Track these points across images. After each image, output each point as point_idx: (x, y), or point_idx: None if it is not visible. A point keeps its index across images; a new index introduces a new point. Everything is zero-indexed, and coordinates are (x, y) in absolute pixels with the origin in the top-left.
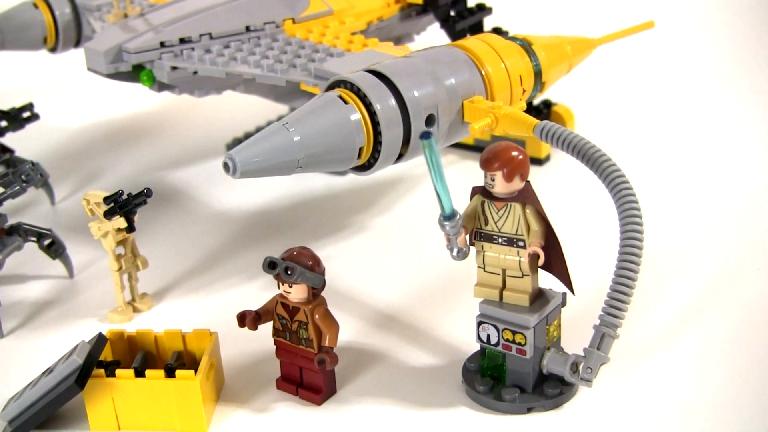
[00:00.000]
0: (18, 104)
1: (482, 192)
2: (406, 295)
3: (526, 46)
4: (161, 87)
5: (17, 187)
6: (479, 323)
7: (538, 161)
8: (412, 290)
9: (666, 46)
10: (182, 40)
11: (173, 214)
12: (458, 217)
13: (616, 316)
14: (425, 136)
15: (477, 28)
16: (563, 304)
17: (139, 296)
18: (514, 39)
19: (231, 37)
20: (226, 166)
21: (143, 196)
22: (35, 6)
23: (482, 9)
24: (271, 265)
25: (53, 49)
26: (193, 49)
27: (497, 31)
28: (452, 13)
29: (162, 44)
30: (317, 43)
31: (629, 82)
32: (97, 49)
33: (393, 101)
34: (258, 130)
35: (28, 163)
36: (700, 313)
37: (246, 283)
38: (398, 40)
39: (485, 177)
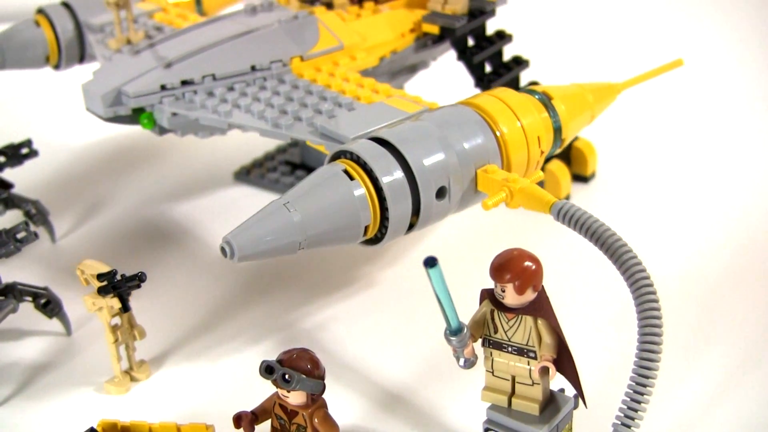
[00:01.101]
0: (15, 125)
1: (491, 299)
2: (413, 369)
3: (545, 100)
4: (162, 130)
5: (11, 247)
6: (486, 429)
7: (583, 178)
8: (420, 362)
9: (691, 78)
10: (184, 82)
11: (174, 257)
12: (465, 331)
13: (633, 418)
14: (430, 263)
15: (514, 84)
16: (575, 406)
17: (137, 365)
18: (532, 92)
19: (235, 77)
20: (223, 250)
21: (137, 280)
22: (36, 24)
23: (519, 63)
24: (268, 370)
25: (57, 67)
26: (195, 92)
27: (517, 61)
28: (470, 43)
29: (163, 87)
30: (325, 87)
31: (653, 116)
32: (95, 92)
33: (400, 173)
34: (267, 156)
35: (29, 203)
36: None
37: (247, 348)
38: (413, 68)
39: (495, 286)
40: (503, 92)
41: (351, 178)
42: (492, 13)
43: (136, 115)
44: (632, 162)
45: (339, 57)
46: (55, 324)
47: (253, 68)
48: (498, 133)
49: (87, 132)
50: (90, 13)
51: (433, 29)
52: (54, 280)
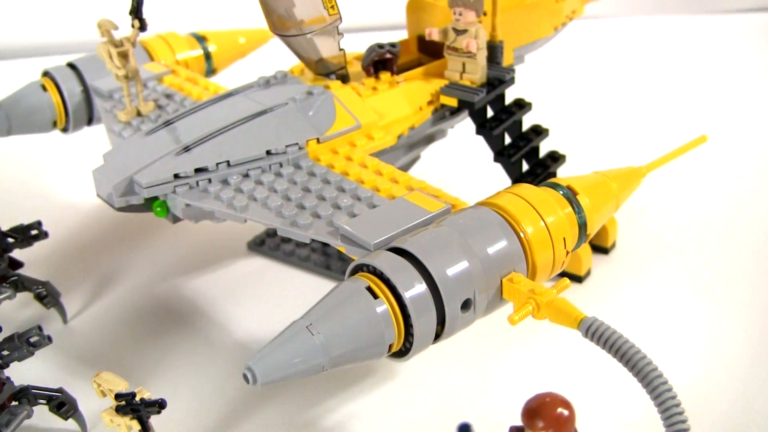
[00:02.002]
0: (23, 188)
1: None
2: None
3: (569, 195)
4: (176, 219)
5: (24, 351)
6: None
7: (603, 250)
8: None
9: (714, 151)
10: (198, 170)
11: (187, 344)
12: None
13: None
14: (464, 429)
15: (534, 154)
16: None
17: None
18: (555, 186)
19: (250, 163)
20: (245, 377)
21: (157, 406)
22: (43, 88)
23: (538, 132)
24: None
25: (65, 130)
26: (209, 180)
27: (536, 131)
28: (490, 113)
29: (176, 176)
30: (344, 176)
31: (674, 186)
32: (107, 181)
33: (423, 285)
34: None
35: (40, 285)
36: None
37: None
38: (430, 138)
39: (526, 429)
40: (525, 190)
41: (374, 295)
42: (511, 81)
43: (148, 203)
44: (653, 232)
45: (356, 137)
46: (70, 423)
47: (268, 152)
48: (522, 235)
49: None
50: (96, 74)
51: (452, 102)
52: (66, 366)
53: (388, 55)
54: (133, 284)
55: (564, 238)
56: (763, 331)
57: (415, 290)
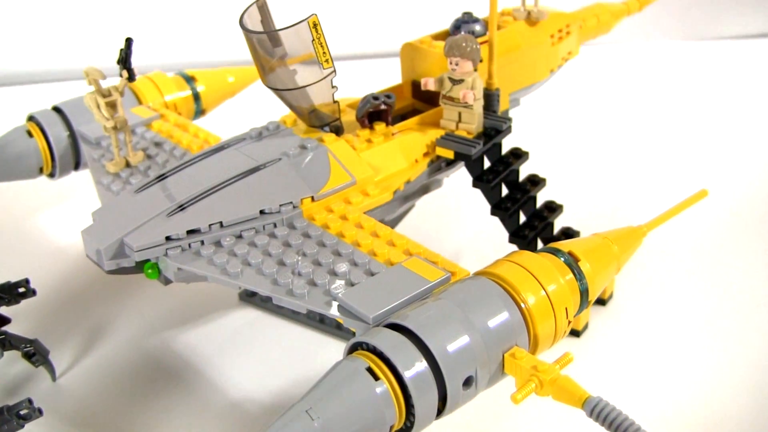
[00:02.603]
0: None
1: None
2: None
3: (569, 261)
4: (168, 281)
5: (14, 424)
6: None
7: (601, 301)
8: None
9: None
10: (190, 231)
11: (178, 404)
12: None
13: None
14: None
15: (532, 203)
16: None
17: None
18: (556, 251)
19: (244, 223)
20: None
21: None
22: (29, 134)
23: (535, 183)
24: None
25: (51, 176)
26: (202, 242)
27: (533, 181)
28: (486, 163)
29: (167, 238)
30: (340, 238)
31: (672, 238)
32: (97, 244)
33: (423, 363)
34: None
35: (28, 344)
36: None
37: None
38: (426, 189)
39: None
40: (525, 258)
41: (374, 375)
42: (508, 130)
43: (139, 265)
44: (650, 284)
45: (351, 194)
46: None
47: (262, 212)
48: (523, 305)
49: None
50: (82, 118)
51: (448, 154)
52: (55, 428)
53: (383, 107)
54: (123, 338)
55: (566, 308)
56: (762, 383)
57: (415, 369)
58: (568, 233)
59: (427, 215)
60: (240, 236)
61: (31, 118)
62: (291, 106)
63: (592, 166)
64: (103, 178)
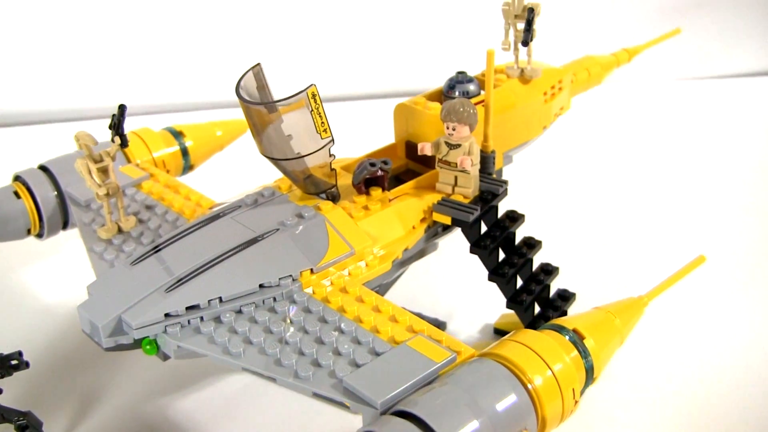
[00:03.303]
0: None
1: None
2: None
3: (575, 339)
4: (166, 356)
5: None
6: None
7: None
8: None
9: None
10: (189, 307)
11: None
12: None
13: None
14: None
15: (528, 267)
16: None
17: None
18: (560, 329)
19: (244, 298)
20: None
21: None
22: (16, 195)
23: (531, 246)
24: None
25: (39, 236)
26: (201, 318)
27: (529, 244)
28: (484, 228)
29: (167, 315)
30: (341, 314)
31: (669, 311)
32: (94, 321)
33: None
34: None
35: (20, 416)
36: None
37: None
38: (422, 253)
39: None
40: (529, 337)
41: None
42: (504, 193)
43: (137, 342)
44: (645, 358)
45: (350, 265)
46: None
47: (261, 286)
48: (530, 386)
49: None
50: (70, 177)
51: (445, 220)
52: None
53: (380, 173)
54: (117, 405)
55: (573, 389)
56: None
57: None
58: (564, 296)
59: (417, 274)
60: (240, 311)
61: (17, 178)
62: (286, 173)
63: (585, 223)
64: (95, 246)
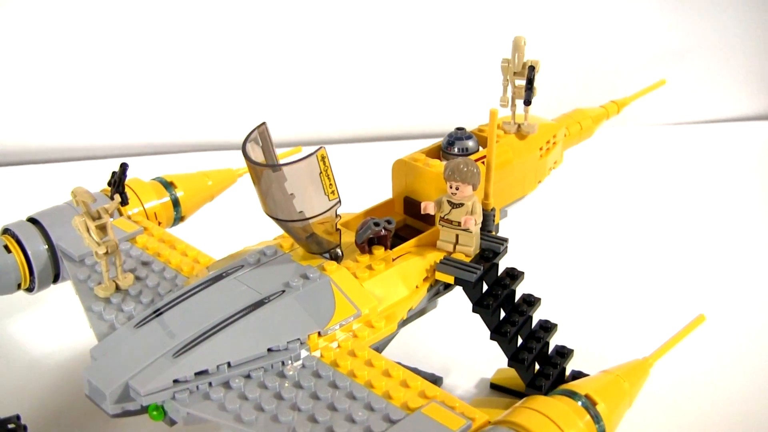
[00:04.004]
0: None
1: None
2: None
3: (587, 404)
4: (173, 422)
5: None
6: None
7: None
8: None
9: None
10: (197, 373)
11: None
12: None
13: None
14: None
15: (528, 323)
16: None
17: None
18: (572, 395)
19: (252, 363)
20: None
21: None
22: (6, 249)
23: (531, 303)
24: None
25: (29, 290)
26: (210, 383)
27: (529, 302)
28: (485, 287)
29: (175, 381)
30: (350, 377)
31: (673, 369)
32: (100, 387)
33: None
34: None
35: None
36: None
37: None
38: (422, 312)
39: None
40: (542, 404)
41: None
42: (505, 251)
43: (144, 407)
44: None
45: (357, 327)
46: None
47: (269, 350)
48: None
49: (62, 356)
50: (61, 230)
51: (448, 279)
52: None
53: (384, 232)
54: None
55: None
56: None
57: None
58: (562, 352)
59: (411, 328)
60: (249, 376)
61: (5, 231)
62: (290, 232)
63: (580, 277)
64: (93, 305)
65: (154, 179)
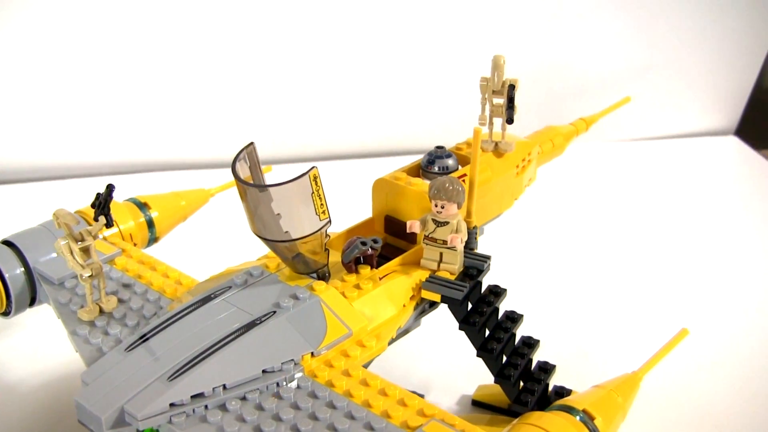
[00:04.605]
0: None
1: None
2: None
3: (585, 420)
4: None
5: None
6: None
7: None
8: None
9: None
10: (193, 396)
11: None
12: None
13: None
14: None
15: (512, 341)
16: None
17: None
18: (570, 410)
19: (247, 384)
20: None
21: None
22: None
23: (513, 320)
24: None
25: (5, 314)
26: (206, 406)
27: (511, 318)
28: (470, 306)
29: (171, 405)
30: (347, 398)
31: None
32: (95, 412)
33: None
34: None
35: None
36: None
37: None
38: (407, 330)
39: None
40: (542, 420)
41: None
42: (488, 268)
43: None
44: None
45: (349, 347)
46: None
47: (264, 372)
48: None
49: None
50: (37, 252)
51: (435, 297)
52: None
53: (370, 251)
54: None
55: None
56: None
57: None
58: (545, 368)
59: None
60: (244, 398)
61: None
62: (277, 251)
63: (557, 291)
64: (78, 329)
65: (127, 200)
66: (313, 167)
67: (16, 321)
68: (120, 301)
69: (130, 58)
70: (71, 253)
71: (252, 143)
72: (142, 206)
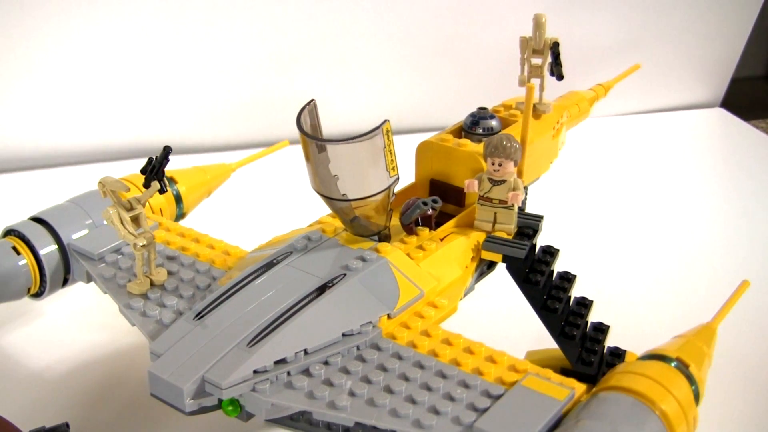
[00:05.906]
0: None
1: None
2: None
3: (680, 367)
4: (249, 416)
5: None
6: None
7: None
8: None
9: None
10: (276, 362)
11: None
12: None
13: None
14: None
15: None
16: None
17: None
18: (664, 358)
19: (328, 348)
20: None
21: None
22: (15, 251)
23: (568, 279)
24: None
25: (38, 295)
26: (288, 372)
27: (566, 278)
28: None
29: (255, 372)
30: (434, 358)
31: None
32: (175, 383)
33: None
34: None
35: None
36: None
37: None
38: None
39: None
40: (642, 367)
41: None
42: (541, 228)
43: (218, 403)
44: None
45: (422, 308)
46: None
47: (343, 335)
48: (658, 413)
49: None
50: (69, 228)
51: (496, 257)
52: None
53: (431, 212)
54: None
55: (693, 417)
56: None
57: None
58: (600, 328)
59: None
60: (327, 363)
61: (10, 232)
62: (339, 213)
63: (596, 252)
64: (132, 302)
65: None
66: (386, 120)
67: (33, 308)
68: (169, 273)
69: (128, 46)
70: (121, 222)
71: (313, 100)
72: (169, 180)
